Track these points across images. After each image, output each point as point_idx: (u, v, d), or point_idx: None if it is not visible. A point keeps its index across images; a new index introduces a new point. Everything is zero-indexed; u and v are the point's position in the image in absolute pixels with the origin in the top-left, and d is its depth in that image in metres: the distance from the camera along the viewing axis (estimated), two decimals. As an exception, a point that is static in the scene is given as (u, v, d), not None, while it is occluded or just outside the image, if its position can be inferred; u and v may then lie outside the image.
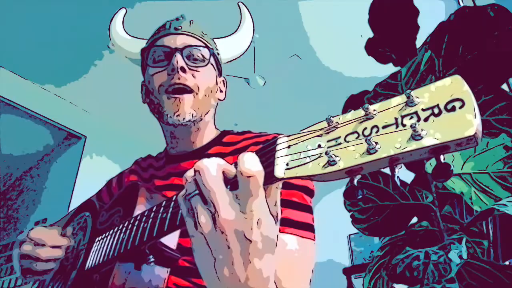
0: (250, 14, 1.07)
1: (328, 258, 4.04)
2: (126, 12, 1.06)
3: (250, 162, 0.40)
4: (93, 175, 3.20)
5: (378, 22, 1.60)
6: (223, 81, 0.98)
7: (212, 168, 0.42)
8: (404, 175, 1.39)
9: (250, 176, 0.40)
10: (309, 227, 0.73)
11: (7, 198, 4.12)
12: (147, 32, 0.97)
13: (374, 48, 1.64)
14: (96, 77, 3.36)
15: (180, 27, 0.89)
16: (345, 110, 0.40)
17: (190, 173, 0.45)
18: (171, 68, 0.83)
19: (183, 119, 0.82)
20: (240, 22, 1.06)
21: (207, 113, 0.88)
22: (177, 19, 0.93)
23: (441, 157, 0.33)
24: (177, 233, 0.67)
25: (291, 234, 0.69)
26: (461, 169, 1.22)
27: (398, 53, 1.58)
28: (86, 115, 3.77)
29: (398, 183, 0.36)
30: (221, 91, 0.96)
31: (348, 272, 3.15)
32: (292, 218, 0.71)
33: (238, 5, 1.07)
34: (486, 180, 1.19)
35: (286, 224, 0.69)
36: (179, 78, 0.82)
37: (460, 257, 1.04)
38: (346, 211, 1.46)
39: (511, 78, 1.43)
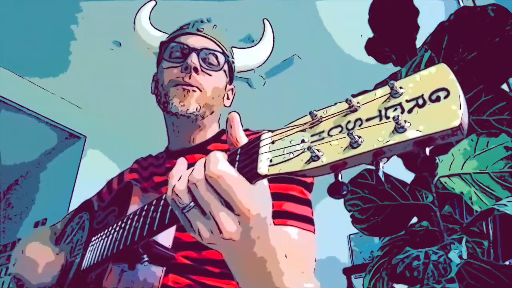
0: (273, 31, 1.10)
1: (328, 258, 4.03)
2: (155, 4, 1.07)
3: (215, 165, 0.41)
4: (93, 175, 3.19)
5: (378, 22, 1.60)
6: (232, 89, 0.99)
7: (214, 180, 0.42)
8: (404, 175, 1.39)
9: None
10: (309, 220, 0.75)
11: (7, 198, 4.12)
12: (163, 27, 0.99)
13: (374, 48, 1.63)
14: (96, 77, 3.36)
15: (202, 29, 0.90)
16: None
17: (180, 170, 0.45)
18: (185, 66, 0.84)
19: (187, 110, 0.83)
20: (262, 36, 1.09)
21: (211, 113, 0.89)
22: (201, 21, 0.94)
23: (427, 150, 0.31)
24: (172, 231, 0.66)
25: (293, 226, 0.71)
26: (461, 169, 1.22)
27: (398, 53, 1.57)
28: (86, 115, 3.77)
29: (382, 178, 0.34)
30: (228, 98, 0.97)
31: (348, 272, 3.15)
32: (293, 211, 0.72)
33: (263, 21, 1.10)
34: (486, 180, 1.19)
35: (287, 216, 0.71)
36: (189, 78, 0.84)
37: (460, 257, 1.03)
38: (346, 211, 1.46)
39: (511, 78, 1.43)
